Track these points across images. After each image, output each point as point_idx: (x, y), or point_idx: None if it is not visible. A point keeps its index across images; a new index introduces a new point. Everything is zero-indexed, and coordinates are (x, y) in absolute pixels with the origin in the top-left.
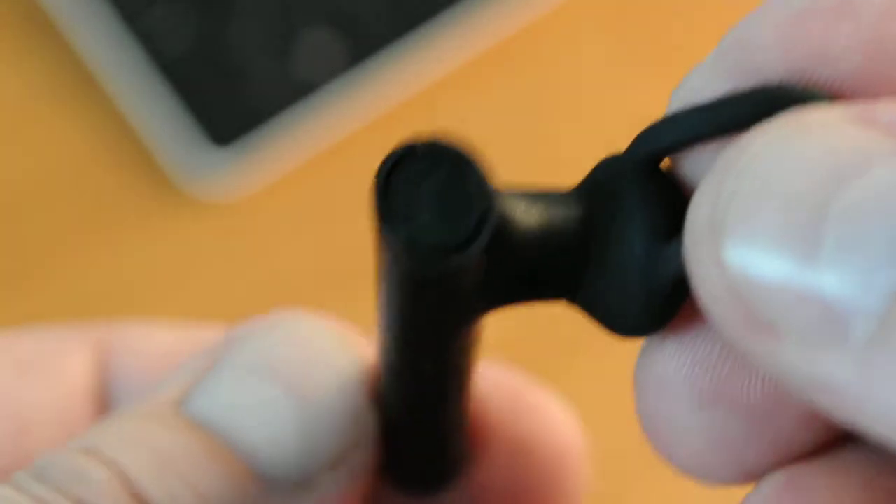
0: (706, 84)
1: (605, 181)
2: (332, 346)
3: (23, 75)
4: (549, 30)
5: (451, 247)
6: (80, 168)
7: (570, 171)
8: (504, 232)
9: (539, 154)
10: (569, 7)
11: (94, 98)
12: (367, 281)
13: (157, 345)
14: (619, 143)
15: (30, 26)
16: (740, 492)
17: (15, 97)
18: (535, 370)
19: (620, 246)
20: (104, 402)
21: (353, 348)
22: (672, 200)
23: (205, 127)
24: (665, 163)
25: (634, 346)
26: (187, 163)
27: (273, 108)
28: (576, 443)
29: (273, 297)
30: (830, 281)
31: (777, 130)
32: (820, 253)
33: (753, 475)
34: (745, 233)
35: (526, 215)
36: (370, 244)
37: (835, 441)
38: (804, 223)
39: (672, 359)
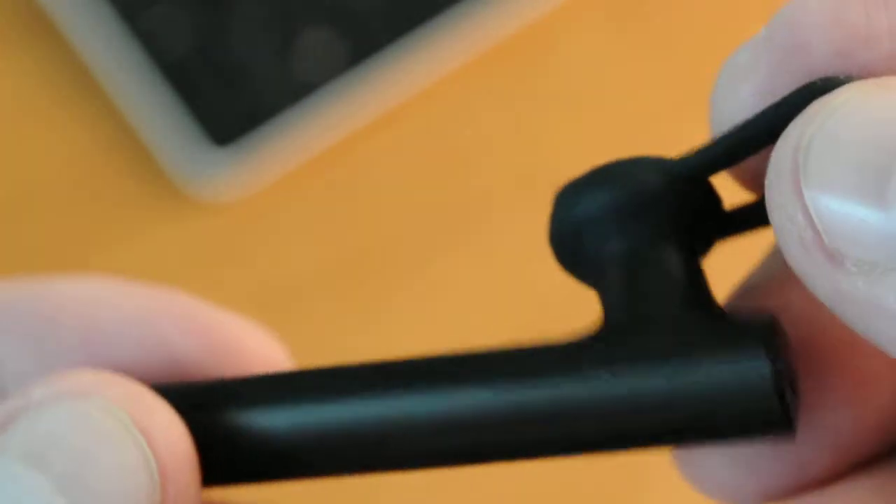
0: (755, 59)
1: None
2: (114, 429)
3: (23, 75)
4: (549, 30)
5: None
6: (79, 168)
7: (570, 172)
8: None
9: (539, 154)
10: (569, 7)
11: (94, 98)
12: (366, 280)
13: None
14: (619, 143)
15: (30, 26)
16: None
17: (15, 97)
18: None
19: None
20: None
21: (140, 429)
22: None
23: (205, 127)
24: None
25: None
26: (187, 163)
27: (273, 108)
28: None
29: (272, 297)
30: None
31: (857, 88)
32: (888, 196)
33: (776, 497)
34: (822, 179)
35: None
36: (370, 244)
37: (857, 467)
38: (875, 171)
39: None
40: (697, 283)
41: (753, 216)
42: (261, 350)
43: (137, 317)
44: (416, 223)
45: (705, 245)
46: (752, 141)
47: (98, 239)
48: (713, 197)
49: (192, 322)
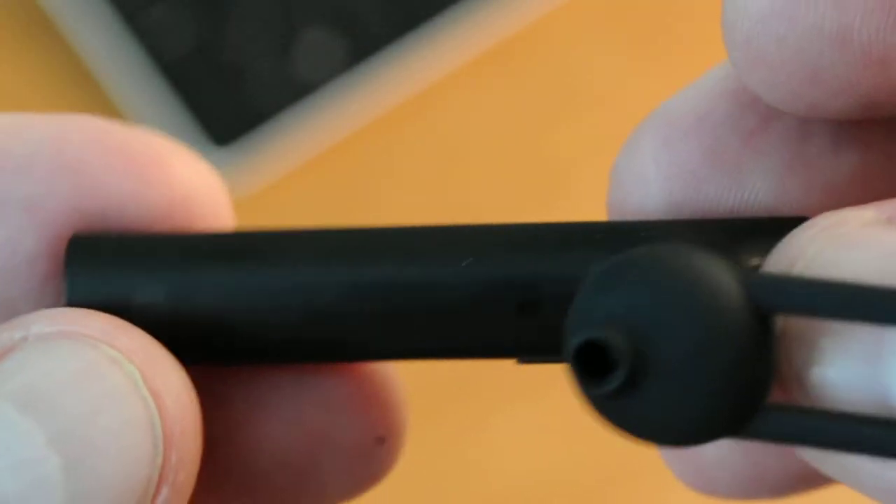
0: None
1: None
2: (122, 386)
3: (22, 74)
4: (549, 30)
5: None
6: None
7: (570, 172)
8: None
9: (539, 154)
10: (569, 7)
11: (94, 98)
12: None
13: None
14: (619, 143)
15: (30, 26)
16: None
17: (15, 96)
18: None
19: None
20: None
21: (150, 390)
22: None
23: (205, 127)
24: None
25: None
26: None
27: (273, 108)
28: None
29: None
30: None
31: (821, 242)
32: (883, 363)
33: (776, 493)
34: (814, 353)
35: None
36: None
37: None
38: (865, 339)
39: None
40: None
41: None
42: (188, 174)
43: (47, 142)
44: (416, 223)
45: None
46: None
47: None
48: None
49: (108, 143)
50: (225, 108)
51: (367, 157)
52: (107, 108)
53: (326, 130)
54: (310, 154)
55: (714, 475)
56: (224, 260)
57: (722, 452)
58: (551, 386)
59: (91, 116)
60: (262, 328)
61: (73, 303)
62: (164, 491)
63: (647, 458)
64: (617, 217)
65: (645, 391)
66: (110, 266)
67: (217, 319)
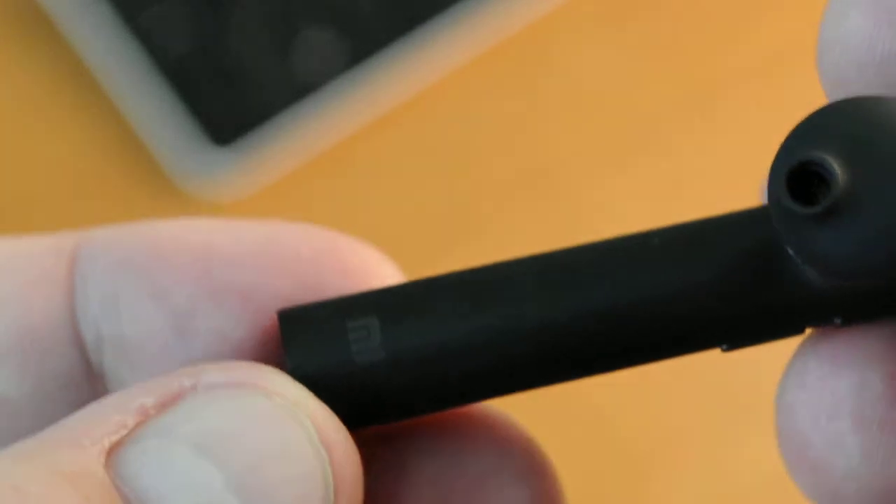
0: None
1: None
2: (305, 442)
3: (23, 75)
4: (549, 30)
5: None
6: (79, 168)
7: (570, 172)
8: None
9: (540, 154)
10: (569, 7)
11: (94, 98)
12: None
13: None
14: (620, 143)
15: (30, 26)
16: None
17: (14, 97)
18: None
19: None
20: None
21: (327, 439)
22: None
23: (205, 127)
24: None
25: None
26: (187, 163)
27: (273, 108)
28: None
29: None
30: None
31: None
32: None
33: None
34: None
35: None
36: (369, 244)
37: None
38: None
39: (830, 380)
40: None
41: None
42: (375, 270)
43: (253, 244)
44: (416, 223)
45: None
46: None
47: None
48: None
49: (317, 243)
50: (225, 108)
51: (367, 157)
52: (107, 108)
53: (326, 130)
54: (310, 154)
55: (841, 487)
56: (446, 302)
57: (852, 464)
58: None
59: (294, 224)
60: (483, 369)
61: (295, 375)
62: None
63: (646, 460)
64: (831, 85)
65: (849, 217)
66: (326, 334)
67: (436, 369)
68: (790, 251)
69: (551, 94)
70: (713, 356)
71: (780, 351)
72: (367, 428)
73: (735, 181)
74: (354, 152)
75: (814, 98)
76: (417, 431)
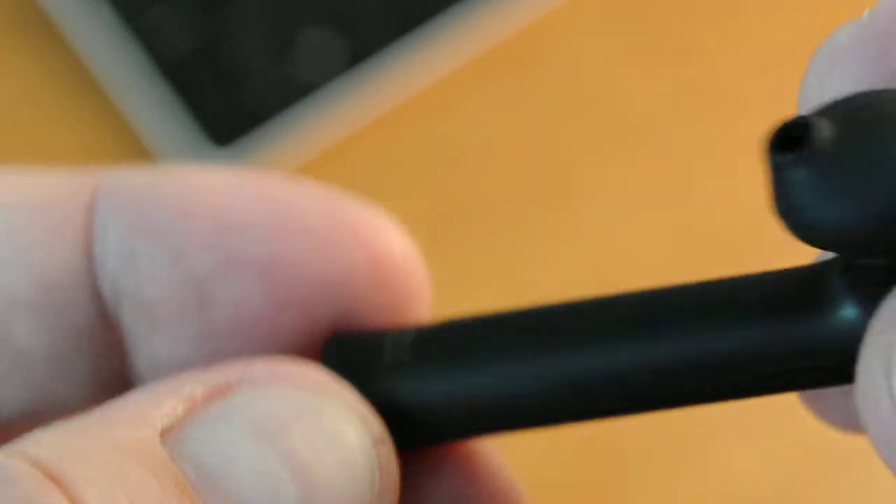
0: (852, 43)
1: None
2: (353, 434)
3: (23, 75)
4: (549, 30)
5: None
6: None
7: (571, 172)
8: None
9: (540, 154)
10: (569, 7)
11: (94, 98)
12: None
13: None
14: (620, 142)
15: (30, 26)
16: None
17: (15, 97)
18: None
19: None
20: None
21: (372, 434)
22: None
23: (205, 127)
24: None
25: None
26: (187, 163)
27: (273, 108)
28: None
29: None
30: None
31: None
32: None
33: None
34: None
35: None
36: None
37: None
38: None
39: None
40: None
41: None
42: (391, 242)
43: (269, 213)
44: (417, 224)
45: None
46: None
47: None
48: None
49: (338, 216)
50: (225, 108)
51: (367, 157)
52: (107, 108)
53: (326, 130)
54: (309, 154)
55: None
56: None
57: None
58: None
59: (317, 186)
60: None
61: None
62: None
63: (649, 460)
64: None
65: (829, 169)
66: (363, 368)
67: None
68: (779, 210)
69: (551, 94)
70: None
71: None
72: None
73: (735, 180)
74: (354, 152)
75: None
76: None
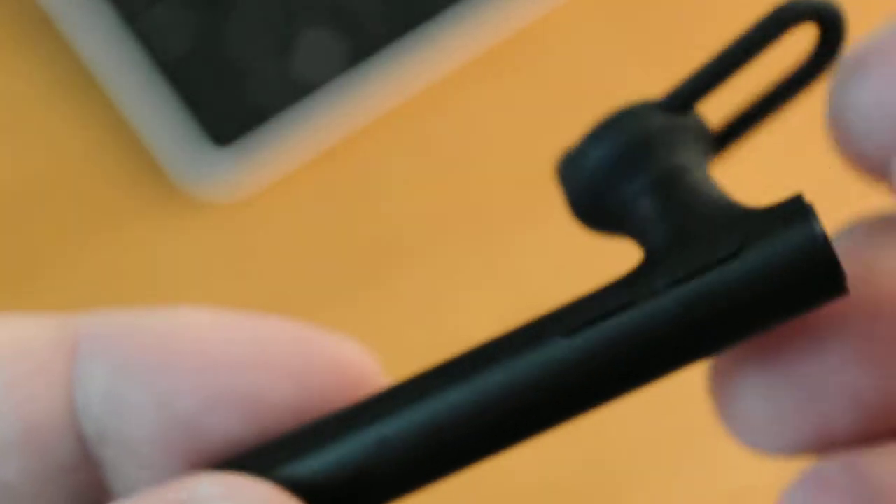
0: (880, 50)
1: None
2: None
3: (22, 75)
4: (549, 29)
5: None
6: (79, 168)
7: None
8: None
9: (540, 154)
10: (569, 7)
11: (94, 98)
12: (367, 282)
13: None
14: None
15: (30, 26)
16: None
17: (14, 97)
18: None
19: None
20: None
21: None
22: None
23: (205, 127)
24: None
25: None
26: (187, 163)
27: (273, 108)
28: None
29: (273, 298)
30: None
31: None
32: None
33: (806, 448)
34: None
35: None
36: (370, 244)
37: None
38: None
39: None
40: (721, 193)
41: (736, 129)
42: (360, 367)
43: (250, 343)
44: (417, 223)
45: (708, 161)
46: (730, 64)
47: (97, 239)
48: (701, 119)
49: (303, 345)
50: (225, 108)
51: (367, 157)
52: (107, 108)
53: (326, 130)
54: (310, 154)
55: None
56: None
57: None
58: None
59: (287, 321)
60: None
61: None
62: None
63: (649, 460)
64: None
65: (580, 159)
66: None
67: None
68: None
69: (552, 93)
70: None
71: None
72: None
73: (735, 179)
74: (354, 152)
75: (814, 97)
76: None
